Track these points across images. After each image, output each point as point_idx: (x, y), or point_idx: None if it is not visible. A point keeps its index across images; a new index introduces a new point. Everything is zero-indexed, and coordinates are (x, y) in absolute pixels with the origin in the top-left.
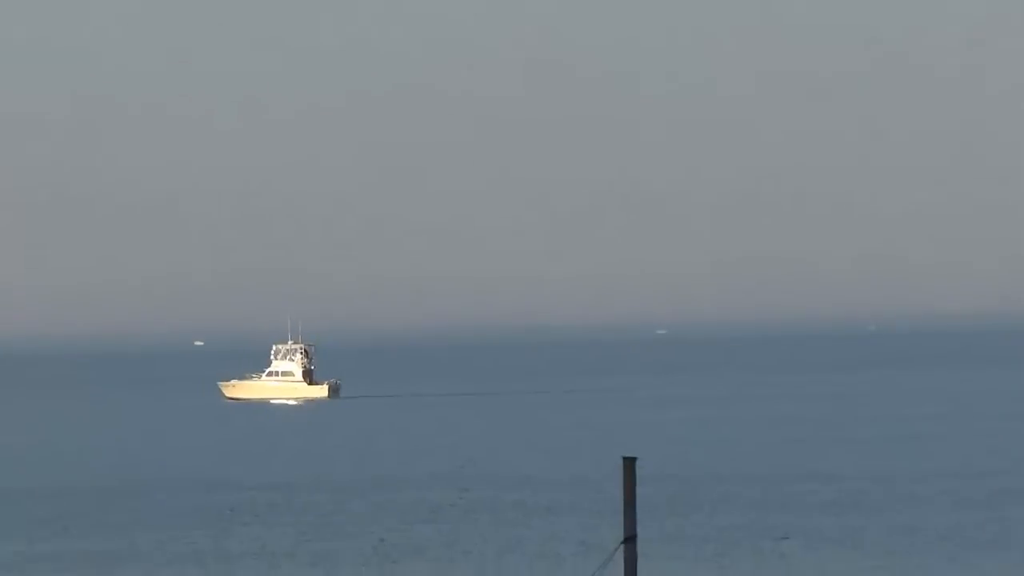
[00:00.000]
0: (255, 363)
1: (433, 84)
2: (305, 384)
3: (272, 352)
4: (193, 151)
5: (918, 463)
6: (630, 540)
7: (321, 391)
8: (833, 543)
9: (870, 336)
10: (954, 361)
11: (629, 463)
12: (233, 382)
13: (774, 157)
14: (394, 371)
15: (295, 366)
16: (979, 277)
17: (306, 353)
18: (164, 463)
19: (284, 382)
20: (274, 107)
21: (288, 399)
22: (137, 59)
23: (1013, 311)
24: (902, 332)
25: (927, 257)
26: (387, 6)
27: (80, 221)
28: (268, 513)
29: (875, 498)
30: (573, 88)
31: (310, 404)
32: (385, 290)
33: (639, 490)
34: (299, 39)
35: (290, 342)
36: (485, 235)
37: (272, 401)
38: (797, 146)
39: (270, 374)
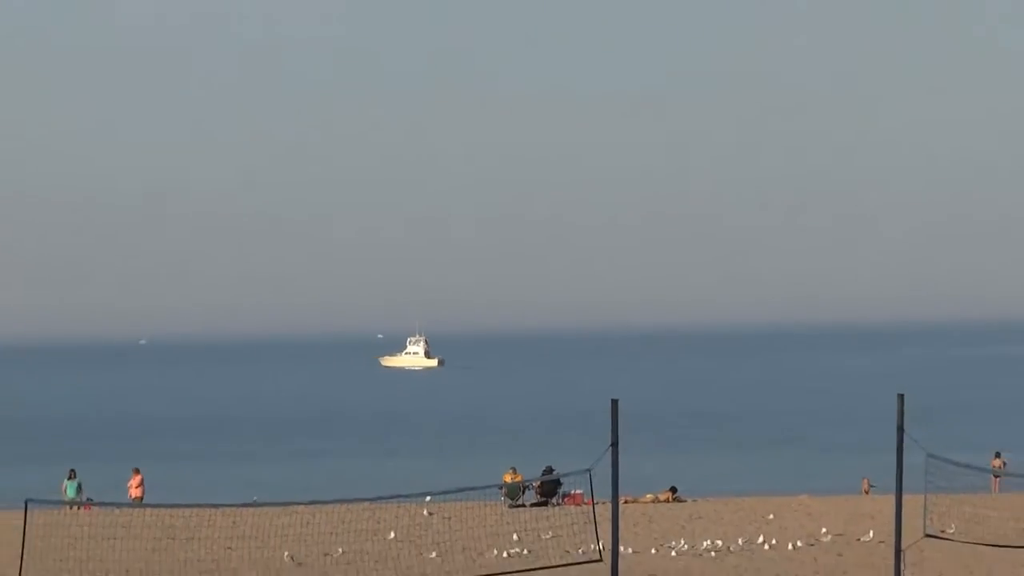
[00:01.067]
0: (399, 347)
1: None
2: (425, 359)
3: (407, 340)
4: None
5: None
6: (614, 445)
7: (434, 363)
8: (736, 445)
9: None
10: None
11: (615, 403)
12: (386, 357)
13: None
14: (478, 353)
15: (420, 348)
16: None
17: (426, 341)
18: (340, 399)
19: (414, 357)
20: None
21: (415, 367)
22: None
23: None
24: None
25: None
26: None
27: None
28: (402, 425)
29: (754, 421)
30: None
31: (427, 370)
32: (479, 301)
33: (620, 417)
34: None
35: (417, 335)
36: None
37: (406, 368)
38: None
39: (406, 353)
